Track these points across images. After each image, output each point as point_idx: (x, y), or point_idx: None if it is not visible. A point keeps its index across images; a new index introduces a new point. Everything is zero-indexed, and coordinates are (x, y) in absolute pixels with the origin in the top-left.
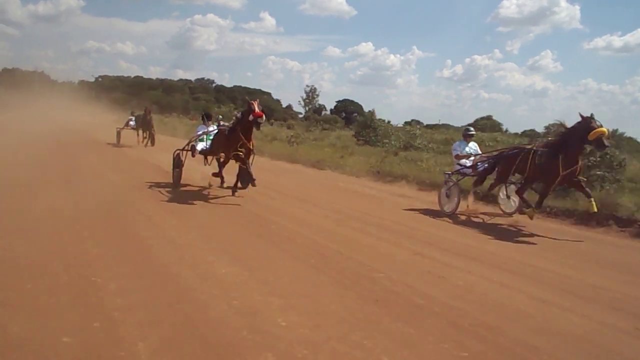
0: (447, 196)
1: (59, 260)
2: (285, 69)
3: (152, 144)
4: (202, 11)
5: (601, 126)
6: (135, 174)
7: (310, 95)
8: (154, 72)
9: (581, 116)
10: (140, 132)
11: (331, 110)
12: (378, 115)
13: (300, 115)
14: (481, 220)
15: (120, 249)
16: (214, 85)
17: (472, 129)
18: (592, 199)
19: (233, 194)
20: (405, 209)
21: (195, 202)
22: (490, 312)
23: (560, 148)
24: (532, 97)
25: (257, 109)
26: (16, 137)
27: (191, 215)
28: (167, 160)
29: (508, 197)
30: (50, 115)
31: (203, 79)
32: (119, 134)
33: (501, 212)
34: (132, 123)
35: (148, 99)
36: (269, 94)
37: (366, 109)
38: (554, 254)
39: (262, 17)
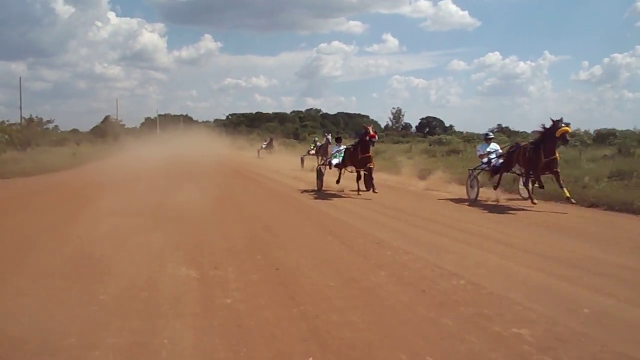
0: (471, 187)
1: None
2: (410, 87)
3: (272, 154)
4: (327, 39)
5: (567, 125)
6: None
7: (397, 115)
8: (286, 102)
9: (551, 120)
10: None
11: (416, 127)
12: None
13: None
14: (496, 203)
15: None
16: (320, 113)
17: (490, 133)
18: (564, 189)
19: (358, 193)
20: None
21: (333, 198)
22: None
23: (541, 143)
24: None
25: (371, 132)
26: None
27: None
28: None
29: (524, 185)
30: (189, 146)
31: (311, 109)
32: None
33: (520, 197)
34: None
35: (266, 130)
36: (367, 116)
37: (499, 119)
38: (512, 222)
39: (385, 38)
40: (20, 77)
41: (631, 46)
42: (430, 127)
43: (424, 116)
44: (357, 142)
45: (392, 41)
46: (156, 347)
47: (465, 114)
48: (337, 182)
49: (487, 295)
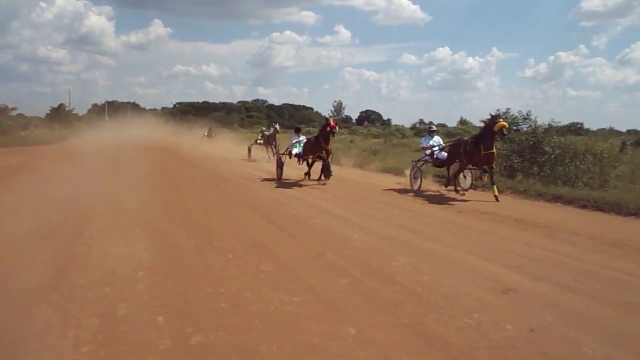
0: (415, 177)
1: None
2: (362, 79)
3: (214, 141)
4: (280, 29)
5: (503, 121)
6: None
7: (338, 108)
8: (237, 91)
9: (490, 115)
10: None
11: (356, 119)
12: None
13: None
14: (438, 194)
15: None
16: (265, 104)
17: (433, 126)
18: (495, 186)
19: (318, 182)
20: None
21: (292, 187)
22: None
23: (480, 138)
24: (624, 92)
25: (332, 123)
26: (123, 143)
27: (292, 193)
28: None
29: (464, 177)
30: (136, 132)
31: (258, 99)
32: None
33: (460, 188)
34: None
35: (212, 119)
36: (311, 108)
37: (447, 114)
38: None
39: (337, 30)
40: None
41: (575, 45)
42: (369, 120)
43: (364, 109)
44: (318, 132)
45: (344, 33)
46: None
47: (416, 108)
48: (307, 174)
49: None
